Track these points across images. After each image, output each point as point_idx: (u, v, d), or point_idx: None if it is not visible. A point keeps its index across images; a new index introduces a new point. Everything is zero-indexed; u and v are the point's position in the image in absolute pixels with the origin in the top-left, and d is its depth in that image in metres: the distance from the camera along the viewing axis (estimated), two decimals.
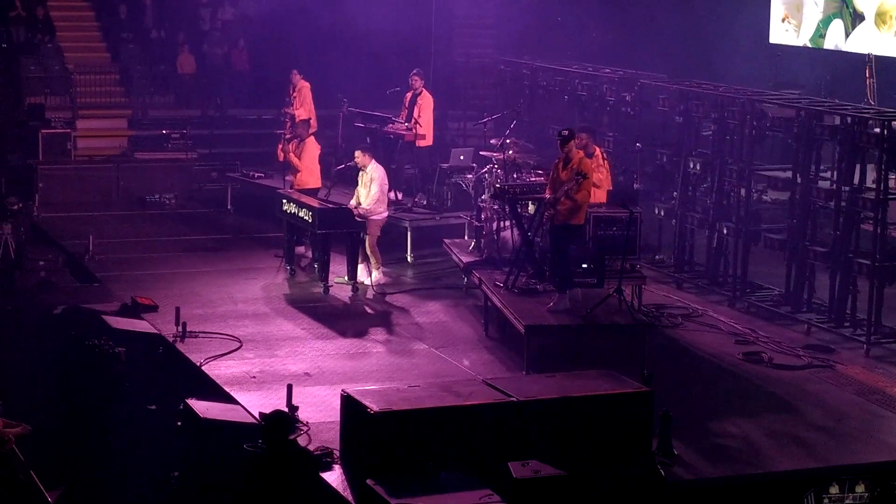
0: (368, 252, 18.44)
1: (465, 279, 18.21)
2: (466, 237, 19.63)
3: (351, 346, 16.13)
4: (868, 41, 22.76)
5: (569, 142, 15.61)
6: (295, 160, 19.77)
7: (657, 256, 19.98)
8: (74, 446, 13.95)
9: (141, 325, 16.16)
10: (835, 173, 17.09)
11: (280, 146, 20.42)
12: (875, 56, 21.67)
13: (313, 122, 22.06)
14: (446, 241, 19.42)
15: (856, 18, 23.27)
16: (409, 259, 20.17)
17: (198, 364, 15.11)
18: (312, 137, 20.11)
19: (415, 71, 21.72)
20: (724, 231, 18.60)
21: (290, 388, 13.53)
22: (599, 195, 17.17)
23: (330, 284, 18.30)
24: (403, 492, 11.37)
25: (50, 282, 18.74)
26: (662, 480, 12.32)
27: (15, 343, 16.68)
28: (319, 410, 13.59)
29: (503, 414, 12.29)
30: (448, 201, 21.09)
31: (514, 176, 18.02)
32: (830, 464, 12.90)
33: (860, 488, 12.51)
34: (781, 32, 24.91)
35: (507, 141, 18.77)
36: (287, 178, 20.48)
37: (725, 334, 16.89)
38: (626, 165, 21.00)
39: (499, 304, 16.09)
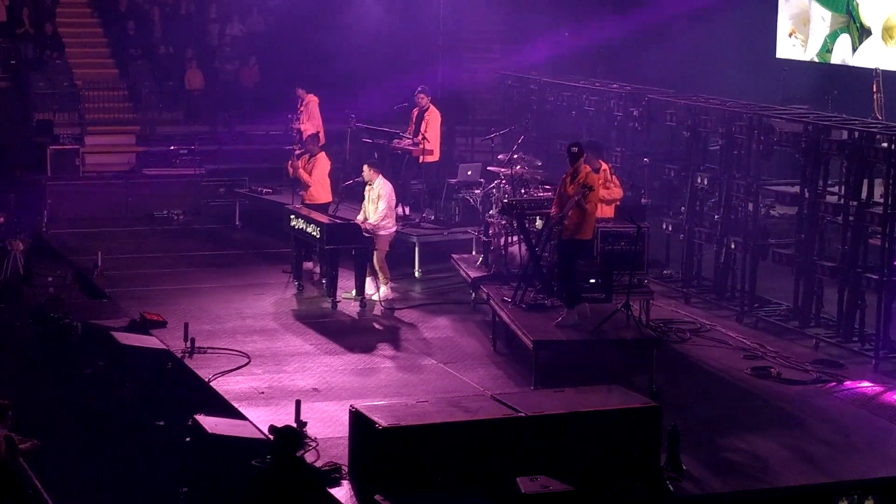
0: (377, 267, 18.45)
1: (473, 294, 18.21)
2: (474, 252, 19.63)
3: (359, 362, 16.14)
4: (875, 56, 22.77)
5: (579, 158, 15.61)
6: (305, 175, 19.77)
7: (665, 271, 19.98)
8: (83, 462, 13.97)
9: (149, 341, 16.18)
10: (842, 188, 17.09)
11: (290, 162, 20.45)
12: (882, 71, 21.67)
13: (321, 135, 22.10)
14: (454, 256, 19.43)
15: (863, 33, 23.28)
16: (416, 274, 20.18)
17: (206, 380, 15.13)
18: (323, 153, 20.12)
19: (419, 88, 21.71)
20: (732, 246, 18.60)
21: (298, 403, 13.54)
22: (608, 210, 17.20)
23: (338, 300, 18.31)
24: None
25: (58, 297, 18.77)
26: (671, 495, 12.32)
27: (23, 358, 16.74)
28: (328, 426, 13.60)
29: (511, 429, 12.29)
30: (456, 217, 21.10)
31: (522, 191, 18.06)
32: (839, 478, 12.89)
33: (869, 503, 12.49)
34: (788, 47, 24.94)
35: (515, 156, 18.82)
36: (299, 192, 20.47)
37: (733, 349, 16.89)
38: (633, 180, 21.00)
39: (507, 320, 16.10)
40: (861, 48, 23.29)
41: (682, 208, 19.67)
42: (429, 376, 15.63)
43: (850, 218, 16.80)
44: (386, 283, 18.60)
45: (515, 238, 17.61)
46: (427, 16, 26.97)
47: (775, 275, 18.66)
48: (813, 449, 13.60)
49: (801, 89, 23.73)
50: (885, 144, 16.48)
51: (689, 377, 15.83)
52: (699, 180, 19.24)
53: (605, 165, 17.65)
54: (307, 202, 19.80)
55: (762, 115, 18.39)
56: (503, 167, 18.81)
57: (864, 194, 16.72)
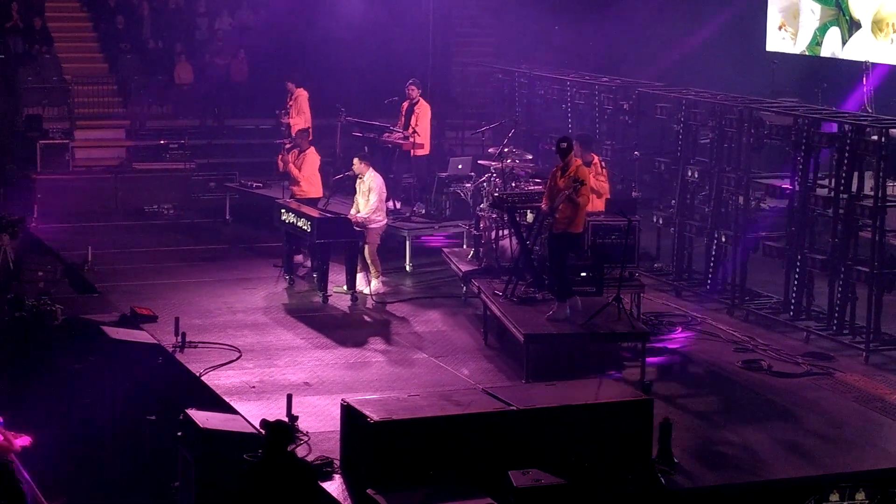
0: (368, 261, 18.45)
1: (464, 288, 18.21)
2: (465, 246, 19.64)
3: (350, 356, 16.13)
4: (865, 49, 22.81)
5: (569, 153, 15.63)
6: (295, 171, 19.77)
7: (656, 264, 19.98)
8: (74, 457, 13.96)
9: (140, 336, 16.16)
10: (833, 181, 17.11)
11: (280, 156, 20.45)
12: (872, 63, 21.70)
13: (309, 130, 22.09)
14: (445, 250, 19.43)
15: (852, 26, 23.31)
16: (407, 268, 20.17)
17: (197, 374, 15.11)
18: (313, 148, 20.13)
19: (410, 81, 21.73)
20: (723, 239, 18.62)
21: (289, 397, 13.52)
22: (598, 204, 17.20)
23: (329, 294, 18.30)
24: (404, 501, 11.38)
25: (49, 293, 18.72)
26: (663, 488, 12.32)
27: (12, 352, 16.72)
28: (319, 420, 13.58)
29: (503, 423, 12.28)
30: (446, 210, 21.09)
31: (513, 185, 18.06)
32: (830, 471, 12.89)
33: (860, 496, 12.52)
34: (778, 40, 24.96)
35: (506, 150, 18.80)
36: (289, 186, 20.45)
37: (724, 342, 16.89)
38: (624, 174, 21.02)
39: (498, 313, 16.09)
40: (851, 41, 23.32)
41: (673, 201, 19.68)
42: (420, 370, 15.63)
43: (841, 211, 16.82)
44: (377, 277, 18.59)
45: (506, 232, 17.60)
46: (416, 8, 26.93)
47: (766, 268, 18.68)
48: (804, 441, 13.62)
49: (791, 82, 23.76)
50: (874, 137, 16.50)
51: (681, 370, 15.84)
52: (690, 173, 19.25)
53: (596, 158, 17.67)
54: (297, 196, 19.79)
55: (752, 108, 18.41)
56: (494, 161, 18.80)
57: (854, 187, 16.75)
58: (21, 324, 16.77)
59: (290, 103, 23.07)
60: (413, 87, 21.59)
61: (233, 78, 28.25)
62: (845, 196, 16.77)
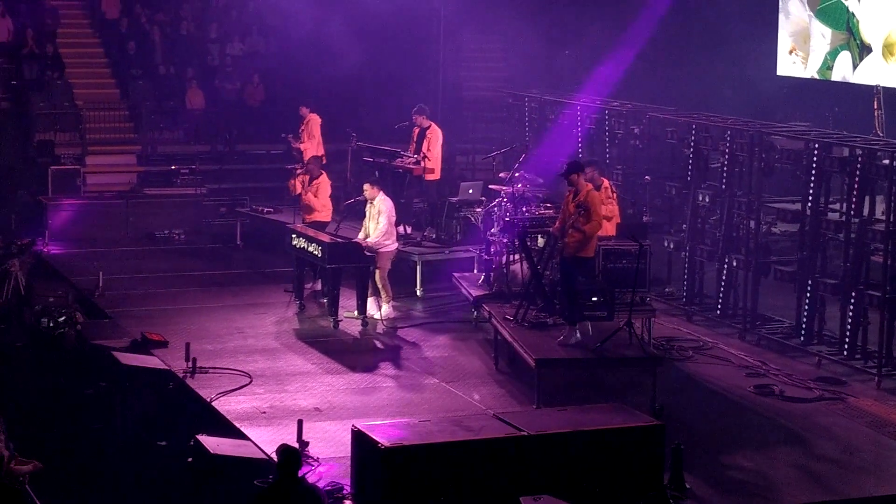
0: (379, 285, 18.43)
1: (475, 313, 18.19)
2: (476, 271, 19.62)
3: (361, 381, 16.11)
4: (876, 73, 22.78)
5: (569, 175, 15.61)
6: (312, 199, 19.73)
7: (667, 289, 19.96)
8: (85, 483, 13.94)
9: (151, 361, 16.15)
10: (844, 205, 17.08)
11: (292, 181, 20.48)
12: (883, 88, 21.69)
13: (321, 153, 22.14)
14: (455, 274, 19.41)
15: (863, 50, 23.30)
16: (418, 293, 20.16)
17: (208, 400, 15.10)
18: (325, 174, 20.12)
19: (415, 109, 21.60)
20: (734, 263, 18.59)
21: (300, 423, 13.52)
22: (609, 228, 17.18)
23: (340, 319, 18.29)
24: None
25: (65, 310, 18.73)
26: None
27: (24, 379, 16.72)
28: (330, 446, 13.57)
29: (514, 448, 12.26)
30: (457, 235, 21.07)
31: (524, 209, 18.04)
32: (842, 497, 12.86)
33: None
34: (789, 65, 24.95)
35: (516, 174, 18.79)
36: (300, 212, 20.44)
37: (736, 367, 16.86)
38: (634, 198, 21.01)
39: (509, 338, 16.07)
40: (861, 65, 23.30)
41: (684, 226, 19.66)
42: (431, 395, 15.61)
43: (852, 235, 16.79)
44: (388, 302, 18.58)
45: (517, 256, 17.58)
46: (428, 33, 27.00)
47: (777, 292, 18.65)
48: (817, 467, 13.58)
49: (801, 106, 23.73)
50: (886, 161, 16.49)
51: (692, 395, 15.80)
52: (700, 198, 19.24)
53: (606, 182, 17.66)
54: (308, 221, 19.80)
55: (763, 132, 18.41)
56: (504, 185, 18.80)
57: (865, 211, 16.72)
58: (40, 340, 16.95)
59: (303, 128, 23.12)
60: (417, 116, 21.49)
61: (248, 103, 28.31)
62: (857, 220, 16.74)
